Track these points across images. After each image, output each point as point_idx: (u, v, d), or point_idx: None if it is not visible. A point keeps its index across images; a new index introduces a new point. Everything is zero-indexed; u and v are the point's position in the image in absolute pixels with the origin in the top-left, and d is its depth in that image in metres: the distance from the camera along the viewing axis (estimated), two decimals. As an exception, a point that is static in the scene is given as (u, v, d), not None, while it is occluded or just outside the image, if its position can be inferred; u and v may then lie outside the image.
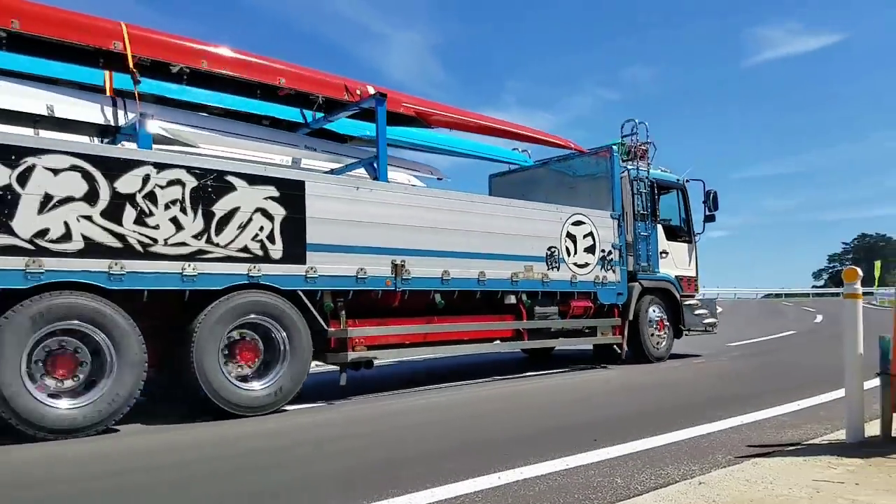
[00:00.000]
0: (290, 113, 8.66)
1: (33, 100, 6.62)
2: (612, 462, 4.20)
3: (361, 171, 8.58)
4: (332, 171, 8.37)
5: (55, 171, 5.48)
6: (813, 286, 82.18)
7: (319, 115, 8.61)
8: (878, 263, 44.75)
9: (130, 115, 7.04)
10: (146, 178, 5.94)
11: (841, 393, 5.00)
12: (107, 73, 7.16)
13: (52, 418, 5.38)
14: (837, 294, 56.97)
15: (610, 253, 10.16)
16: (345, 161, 8.78)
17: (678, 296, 11.26)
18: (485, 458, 4.33)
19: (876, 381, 4.52)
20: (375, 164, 8.13)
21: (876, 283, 43.34)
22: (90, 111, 6.98)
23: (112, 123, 7.07)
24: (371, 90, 8.37)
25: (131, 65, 6.67)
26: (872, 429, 4.52)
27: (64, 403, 5.50)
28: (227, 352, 6.43)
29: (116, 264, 5.72)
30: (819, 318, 24.78)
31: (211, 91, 7.85)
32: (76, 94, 7.01)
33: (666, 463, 4.13)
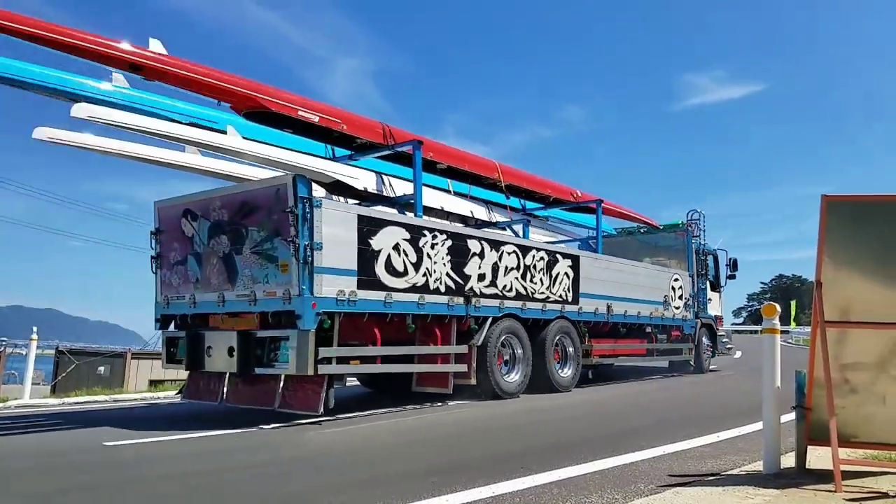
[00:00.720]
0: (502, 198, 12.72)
1: (461, 205, 11.67)
2: (538, 490, 4.19)
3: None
4: (549, 243, 12.49)
5: (508, 253, 10.01)
6: (733, 323, 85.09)
7: (531, 203, 13.54)
8: (793, 303, 46.75)
9: (496, 216, 12.49)
10: (534, 256, 10.57)
11: (758, 426, 5.22)
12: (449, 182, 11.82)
13: (507, 386, 9.74)
14: (756, 331, 59.29)
15: (688, 299, 14.95)
16: (557, 237, 14.20)
17: (715, 328, 16.28)
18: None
19: (792, 415, 4.67)
20: (593, 244, 13.86)
21: (792, 322, 45.25)
22: (482, 212, 12.18)
23: (489, 220, 12.33)
24: (578, 192, 13.73)
25: (504, 188, 11.83)
26: (788, 460, 4.66)
27: (512, 378, 9.92)
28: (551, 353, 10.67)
29: (523, 304, 10.23)
30: (738, 353, 25.57)
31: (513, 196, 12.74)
32: (480, 204, 12.31)
33: (590, 491, 4.15)
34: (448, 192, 11.65)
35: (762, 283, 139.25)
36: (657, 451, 5.50)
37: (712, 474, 4.59)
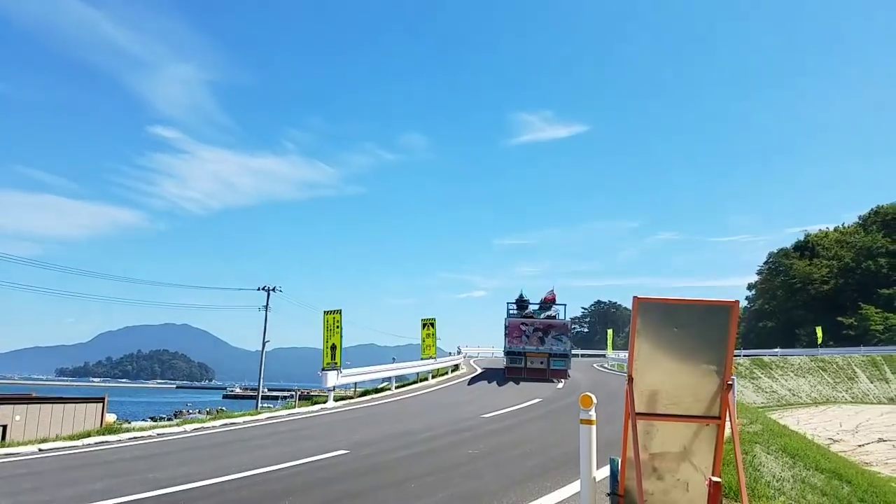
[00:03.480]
0: None
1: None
2: None
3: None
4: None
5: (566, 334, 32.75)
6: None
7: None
8: (610, 332, 50.49)
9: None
10: (565, 334, 31.52)
11: (568, 489, 5.49)
12: None
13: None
14: (576, 355, 63.13)
15: (570, 344, 30.84)
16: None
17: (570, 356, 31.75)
18: None
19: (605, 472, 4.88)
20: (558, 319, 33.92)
21: (609, 348, 48.77)
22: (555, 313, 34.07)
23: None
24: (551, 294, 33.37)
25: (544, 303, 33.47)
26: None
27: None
28: None
29: (564, 351, 30.64)
30: (561, 383, 26.99)
31: None
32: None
33: None
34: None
35: (583, 307, 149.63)
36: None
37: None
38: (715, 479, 4.17)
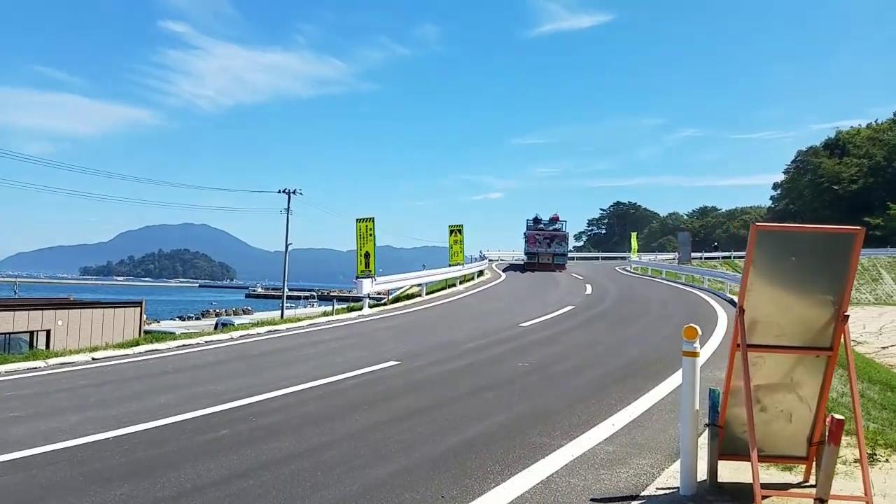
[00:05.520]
0: None
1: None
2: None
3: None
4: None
5: (565, 238, 48.15)
6: (574, 247, 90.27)
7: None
8: (634, 235, 50.44)
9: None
10: (564, 238, 46.41)
11: (646, 401, 6.53)
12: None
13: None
14: (596, 258, 63.36)
15: (569, 246, 47.02)
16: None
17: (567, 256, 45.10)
18: None
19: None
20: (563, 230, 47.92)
21: (633, 251, 48.83)
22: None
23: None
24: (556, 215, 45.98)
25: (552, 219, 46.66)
26: (702, 473, 4.76)
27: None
28: None
29: (563, 248, 44.95)
30: (588, 288, 26.98)
31: None
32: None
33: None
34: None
35: (601, 209, 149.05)
36: (565, 454, 5.48)
37: (632, 497, 4.60)
38: (838, 416, 4.01)
